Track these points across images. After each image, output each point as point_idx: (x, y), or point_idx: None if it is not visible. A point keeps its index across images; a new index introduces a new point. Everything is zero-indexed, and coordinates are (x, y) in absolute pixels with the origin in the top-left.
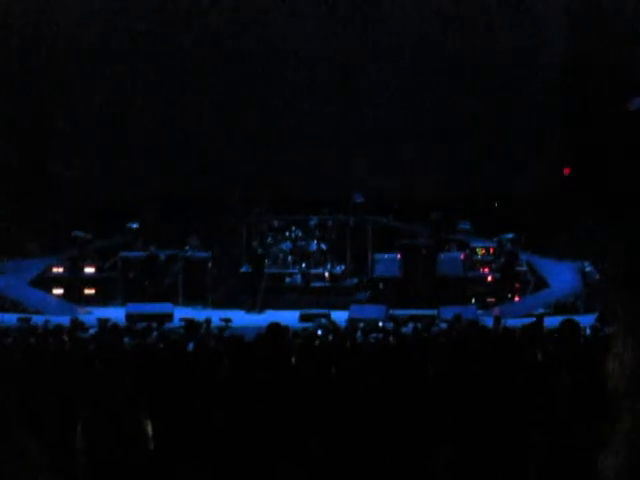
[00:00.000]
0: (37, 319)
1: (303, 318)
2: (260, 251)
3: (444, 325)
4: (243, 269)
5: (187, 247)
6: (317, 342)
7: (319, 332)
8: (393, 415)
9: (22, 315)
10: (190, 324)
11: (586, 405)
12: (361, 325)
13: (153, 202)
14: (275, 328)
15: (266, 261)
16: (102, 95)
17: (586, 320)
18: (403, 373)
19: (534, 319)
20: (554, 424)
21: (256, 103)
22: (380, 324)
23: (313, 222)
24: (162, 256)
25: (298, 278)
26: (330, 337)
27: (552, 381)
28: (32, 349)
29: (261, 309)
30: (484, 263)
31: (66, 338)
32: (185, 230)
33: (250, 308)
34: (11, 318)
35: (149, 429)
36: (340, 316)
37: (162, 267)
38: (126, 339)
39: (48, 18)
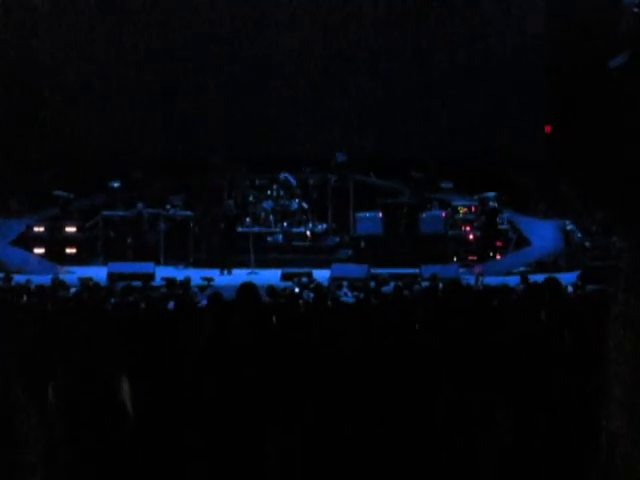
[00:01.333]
0: (18, 278)
1: (285, 277)
2: (235, 211)
3: (426, 283)
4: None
5: (169, 206)
6: (300, 302)
7: (297, 290)
8: (378, 375)
9: (2, 274)
10: (171, 283)
11: (570, 362)
12: (344, 284)
13: (136, 161)
14: (246, 288)
15: (247, 220)
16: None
17: (568, 278)
18: (385, 332)
19: (516, 277)
20: (537, 380)
21: (240, 68)
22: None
23: (295, 181)
24: (144, 215)
25: (279, 237)
26: (311, 296)
27: (536, 339)
28: (12, 307)
29: (230, 268)
30: (466, 221)
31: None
32: (167, 189)
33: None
34: None
35: (127, 389)
36: (322, 275)
37: (144, 226)
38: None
39: None
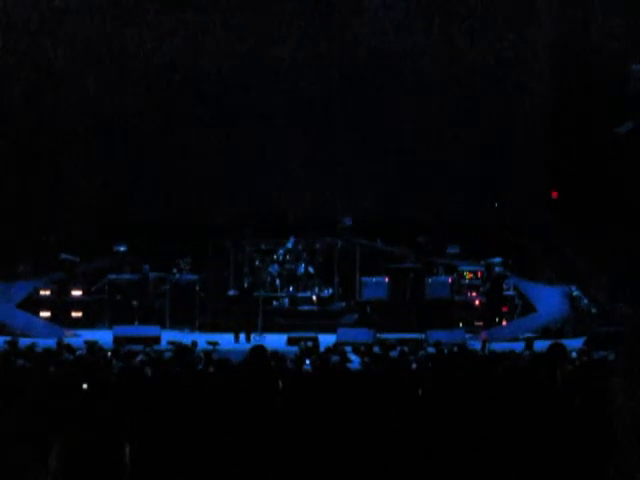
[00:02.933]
0: (24, 342)
1: (290, 341)
2: (249, 280)
3: (431, 349)
4: (230, 292)
5: (175, 270)
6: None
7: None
8: (383, 439)
9: (8, 337)
10: (178, 347)
11: (575, 428)
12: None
13: (141, 225)
14: (258, 351)
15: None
16: (89, 112)
17: (574, 344)
18: (391, 397)
19: (522, 343)
20: (542, 446)
21: (242, 127)
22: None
23: (301, 245)
24: (150, 278)
25: (286, 301)
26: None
27: (542, 405)
28: (18, 371)
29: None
30: (472, 287)
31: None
32: (173, 253)
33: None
34: None
35: (127, 453)
36: (327, 339)
37: (150, 290)
38: (114, 362)
39: None
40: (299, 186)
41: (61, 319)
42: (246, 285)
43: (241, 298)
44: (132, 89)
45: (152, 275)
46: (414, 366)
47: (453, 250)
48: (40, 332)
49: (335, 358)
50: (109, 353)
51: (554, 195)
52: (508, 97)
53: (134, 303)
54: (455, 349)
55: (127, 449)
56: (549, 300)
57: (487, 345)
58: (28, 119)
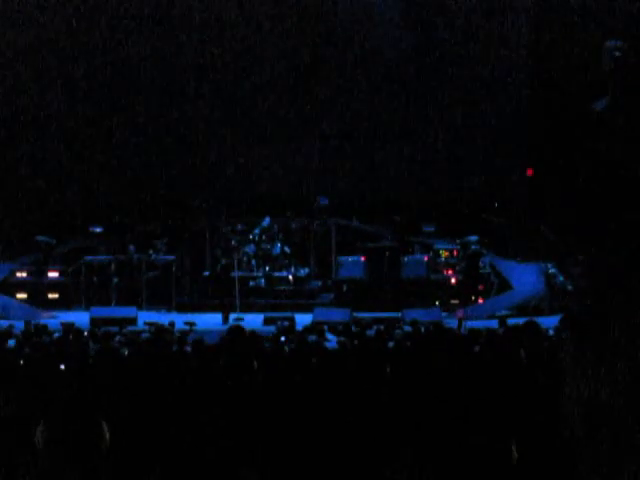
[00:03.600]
0: (1, 323)
1: (267, 321)
2: (224, 260)
3: (408, 328)
4: (206, 273)
5: (151, 251)
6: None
7: (282, 338)
8: (357, 420)
9: None
10: (156, 328)
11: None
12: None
13: (117, 206)
14: (235, 332)
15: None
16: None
17: (550, 322)
18: (369, 376)
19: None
20: (516, 425)
21: (218, 106)
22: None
23: (276, 225)
24: (134, 259)
25: (262, 281)
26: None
27: (515, 383)
28: None
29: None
30: (448, 265)
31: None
32: (150, 234)
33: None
34: None
35: (106, 433)
36: (304, 319)
37: (133, 270)
38: (90, 343)
39: None
40: (275, 167)
41: (38, 301)
42: (221, 265)
43: (217, 278)
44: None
45: (136, 256)
46: (391, 345)
47: (429, 229)
48: (17, 314)
49: (312, 337)
50: (85, 334)
51: (529, 173)
52: (483, 75)
53: (115, 282)
54: (431, 327)
55: (105, 428)
56: (525, 278)
57: (463, 323)
58: None
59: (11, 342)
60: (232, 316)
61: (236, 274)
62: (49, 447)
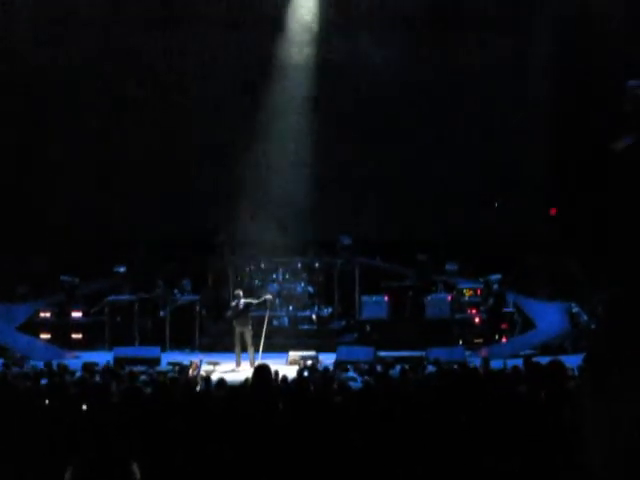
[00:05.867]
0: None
1: (291, 361)
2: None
3: (432, 367)
4: (229, 312)
5: (175, 290)
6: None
7: (305, 374)
8: (386, 459)
9: (9, 361)
10: (180, 368)
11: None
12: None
13: (140, 246)
14: (262, 371)
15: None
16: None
17: (574, 361)
18: (393, 417)
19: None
20: (543, 464)
21: (236, 144)
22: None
23: (300, 264)
24: (150, 300)
25: (285, 320)
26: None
27: (541, 421)
28: (18, 393)
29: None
30: (471, 304)
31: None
32: (173, 274)
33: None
34: None
35: (137, 473)
36: (328, 358)
37: (150, 311)
38: (113, 383)
39: None
40: (298, 206)
41: (61, 341)
42: (242, 304)
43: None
44: None
45: (151, 297)
46: (415, 384)
47: (452, 267)
48: (41, 354)
49: (337, 376)
50: (108, 374)
51: (553, 212)
52: (505, 113)
53: (133, 325)
54: (455, 367)
55: (135, 469)
56: (549, 316)
57: (487, 362)
58: None
59: (43, 381)
60: (256, 356)
61: (266, 314)
62: None
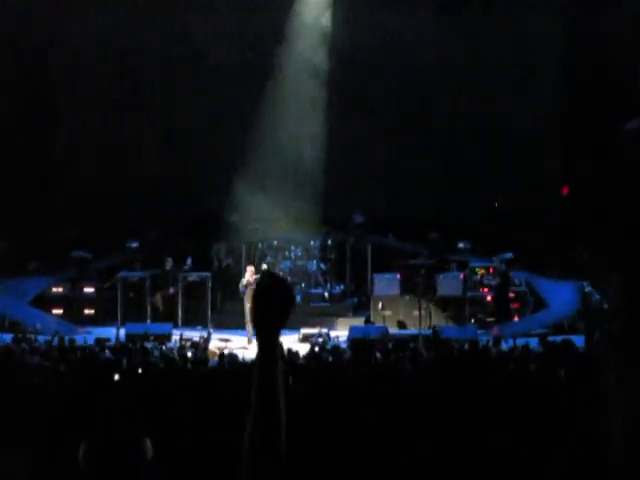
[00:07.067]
0: (41, 338)
1: (303, 338)
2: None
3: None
4: (242, 289)
5: (186, 267)
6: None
7: (316, 349)
8: (396, 434)
9: (20, 335)
10: (191, 344)
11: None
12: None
13: (153, 222)
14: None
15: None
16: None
17: (583, 341)
18: (405, 394)
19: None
20: (552, 441)
21: (251, 121)
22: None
23: (313, 242)
24: (160, 276)
25: (298, 298)
26: (329, 357)
27: (553, 399)
28: (32, 368)
29: None
30: (483, 283)
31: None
32: (186, 250)
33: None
34: (8, 338)
35: (149, 449)
36: (340, 336)
37: (162, 287)
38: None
39: None
40: (312, 183)
41: (74, 316)
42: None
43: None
44: None
45: (164, 272)
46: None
47: (464, 246)
48: (53, 329)
49: (347, 354)
50: (120, 349)
51: (565, 191)
52: (519, 95)
53: (146, 301)
54: (466, 345)
55: (148, 445)
56: (561, 296)
57: (500, 341)
58: None
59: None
60: None
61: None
62: (93, 466)
